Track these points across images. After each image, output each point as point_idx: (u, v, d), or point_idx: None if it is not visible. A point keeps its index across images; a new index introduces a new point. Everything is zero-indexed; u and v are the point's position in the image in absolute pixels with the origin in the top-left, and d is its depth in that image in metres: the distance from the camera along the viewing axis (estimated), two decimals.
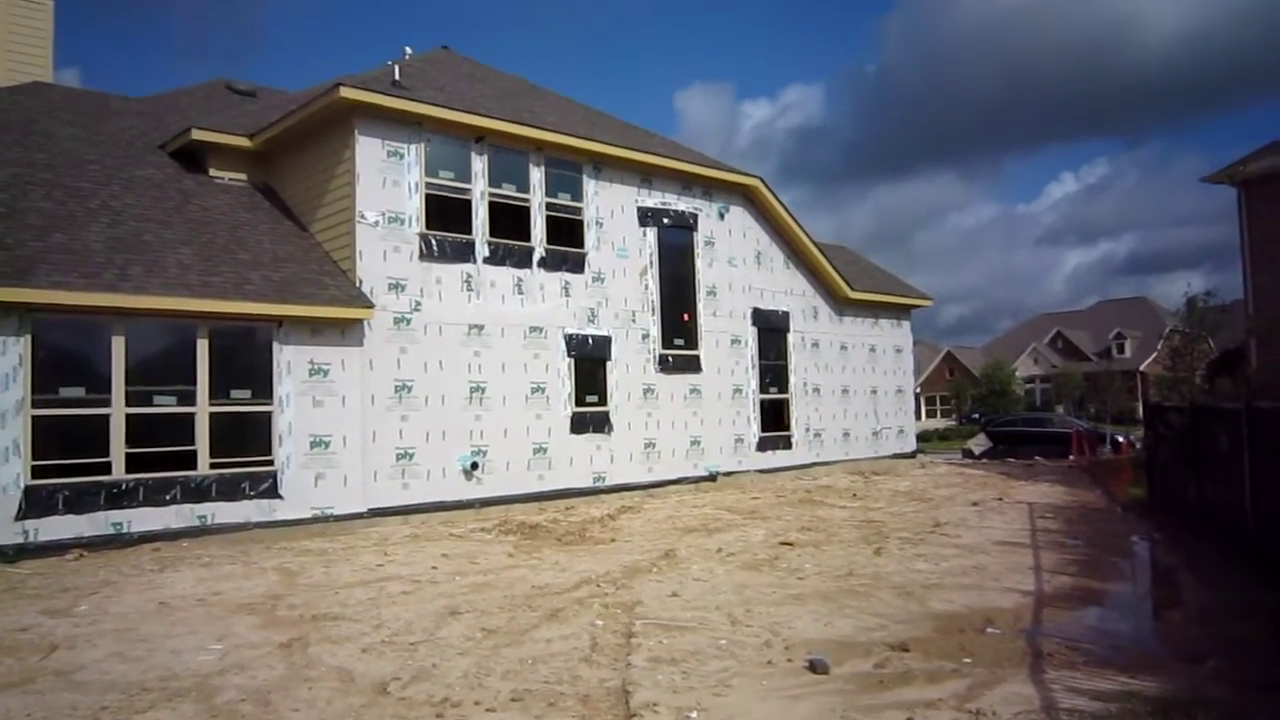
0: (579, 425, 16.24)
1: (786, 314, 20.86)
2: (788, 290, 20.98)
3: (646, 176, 17.87)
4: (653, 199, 18.00)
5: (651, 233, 17.91)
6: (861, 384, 23.12)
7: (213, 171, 15.53)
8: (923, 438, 34.32)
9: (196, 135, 15.21)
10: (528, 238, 15.83)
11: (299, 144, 15.08)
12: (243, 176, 15.76)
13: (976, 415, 49.49)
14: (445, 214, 14.84)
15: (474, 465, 14.65)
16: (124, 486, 11.49)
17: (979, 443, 30.87)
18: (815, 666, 6.26)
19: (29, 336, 10.91)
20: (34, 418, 10.94)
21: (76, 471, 11.27)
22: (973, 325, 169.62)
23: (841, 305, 22.51)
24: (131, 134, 16.18)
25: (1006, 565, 9.89)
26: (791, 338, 20.99)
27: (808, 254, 21.36)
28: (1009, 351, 64.23)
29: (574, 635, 7.22)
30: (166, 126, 16.70)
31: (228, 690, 5.93)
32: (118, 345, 11.52)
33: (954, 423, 56.06)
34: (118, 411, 11.50)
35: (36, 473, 10.95)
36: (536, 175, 16.03)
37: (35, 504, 10.88)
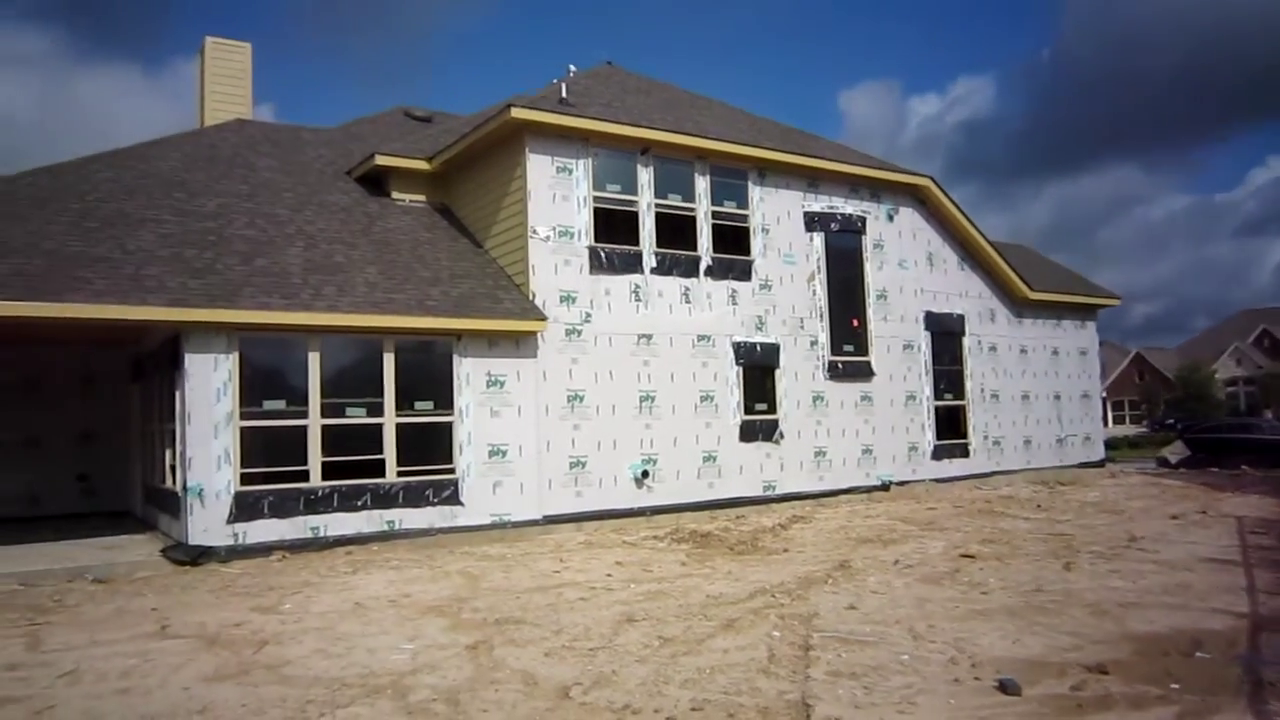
0: (748, 433, 16.15)
1: (961, 317, 20.11)
2: (962, 292, 20.22)
3: (812, 180, 17.63)
4: (819, 203, 17.74)
5: (818, 237, 17.65)
6: (1043, 389, 22.00)
7: (394, 194, 16.37)
8: (1111, 445, 32.30)
9: (379, 161, 16.09)
10: (694, 247, 15.90)
11: (473, 164, 15.70)
12: (422, 198, 16.54)
13: (1173, 421, 46.20)
14: (613, 226, 15.10)
15: (644, 474, 14.80)
16: (320, 493, 12.23)
17: (1176, 451, 28.75)
18: (1006, 687, 5.96)
19: (237, 354, 11.79)
20: (241, 429, 11.81)
21: (279, 479, 12.07)
22: (1163, 325, 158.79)
23: (1020, 307, 21.50)
24: (321, 162, 17.26)
25: (1214, 584, 9.15)
26: (967, 341, 20.21)
27: (983, 254, 20.53)
28: (1207, 352, 59.77)
29: (750, 646, 7.16)
30: (352, 154, 17.74)
31: (420, 689, 6.18)
32: (314, 360, 12.29)
33: (1146, 429, 52.60)
34: (314, 423, 12.26)
35: (244, 479, 11.80)
36: (701, 184, 16.09)
37: (244, 508, 11.72)
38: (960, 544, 11.95)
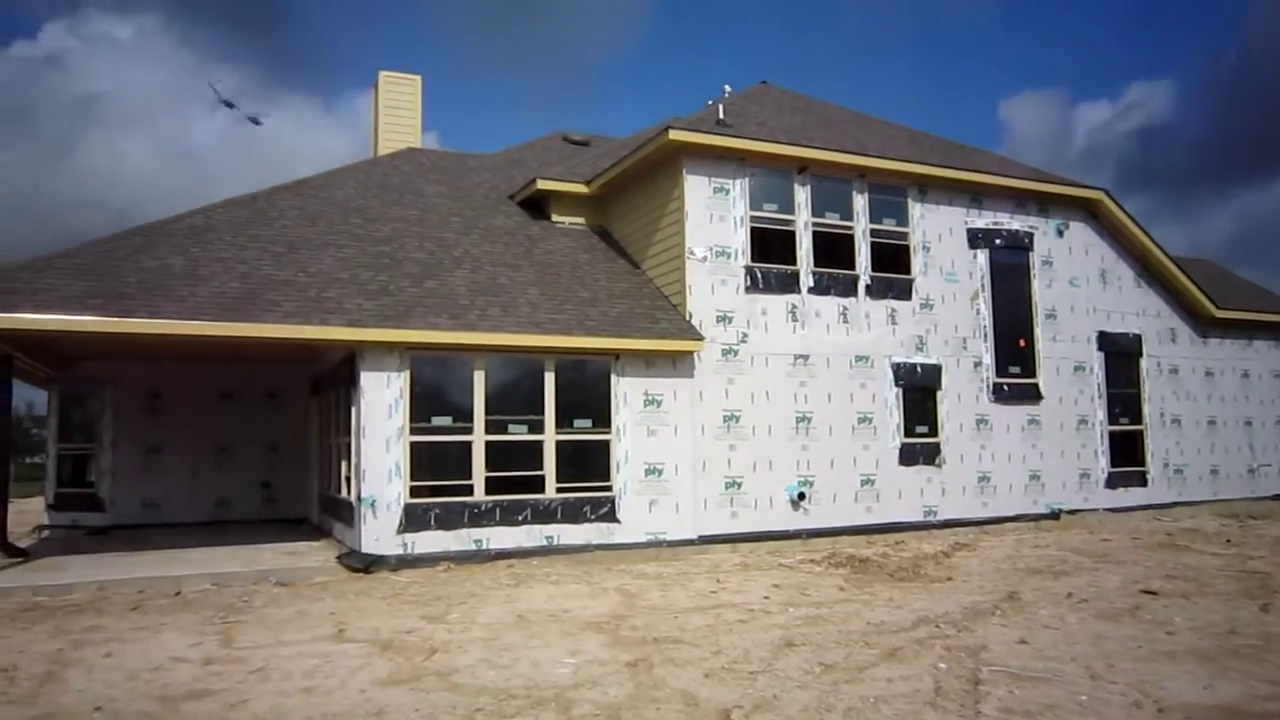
0: (908, 457, 15.72)
1: (1138, 337, 18.98)
2: (1139, 311, 19.10)
3: (976, 196, 17.07)
4: (983, 219, 17.15)
5: (982, 255, 17.05)
6: (1233, 414, 20.47)
7: (555, 217, 16.82)
8: None
9: (540, 185, 16.58)
10: (852, 266, 15.64)
11: (631, 186, 15.97)
12: (581, 220, 16.93)
13: None
14: (769, 246, 15.04)
15: (801, 495, 14.61)
16: (483, 507, 12.63)
17: None
18: None
19: (408, 371, 12.35)
20: (411, 443, 12.34)
21: (444, 492, 12.55)
22: None
23: (1205, 326, 20.12)
24: (485, 187, 17.93)
25: None
26: (1145, 363, 19.05)
27: (1161, 270, 19.35)
28: None
29: (915, 677, 6.94)
30: (513, 179, 18.36)
31: (583, 704, 6.27)
32: (478, 378, 12.74)
33: None
34: (479, 439, 12.69)
35: (413, 492, 12.32)
36: (860, 202, 15.83)
37: (412, 520, 12.23)
38: (1140, 579, 11.25)
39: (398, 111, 21.06)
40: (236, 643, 8.12)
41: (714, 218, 14.59)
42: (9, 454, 14.45)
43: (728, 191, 14.74)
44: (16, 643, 8.23)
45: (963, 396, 16.44)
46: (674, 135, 14.17)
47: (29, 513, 20.26)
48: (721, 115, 15.43)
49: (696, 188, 14.53)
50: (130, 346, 14.89)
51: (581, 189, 16.73)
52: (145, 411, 17.75)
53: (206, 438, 18.00)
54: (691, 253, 14.37)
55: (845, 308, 15.48)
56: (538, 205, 17.11)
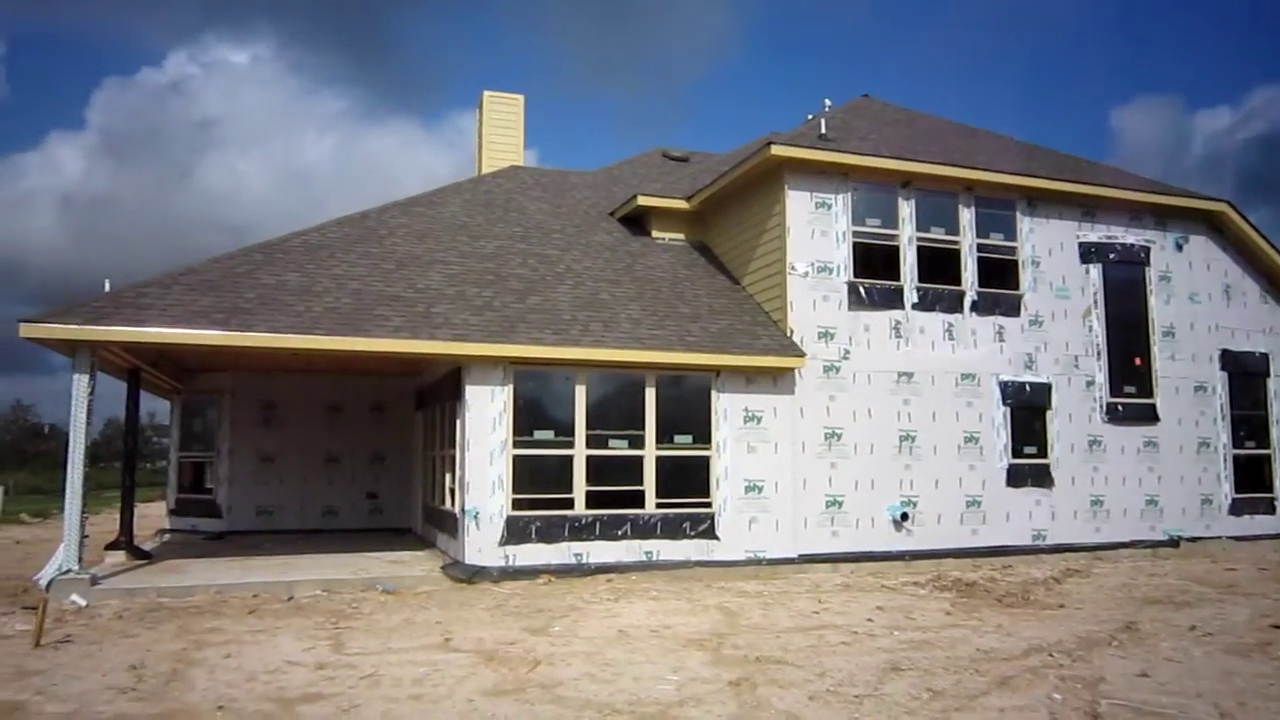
0: (1016, 478, 15.23)
1: (1265, 356, 18.03)
2: (1266, 329, 18.15)
3: (1088, 209, 16.51)
4: (1095, 233, 16.57)
5: (1095, 270, 16.46)
6: None
7: (655, 233, 16.91)
8: None
9: (641, 201, 16.69)
10: (958, 281, 15.29)
11: (731, 202, 15.95)
12: (681, 236, 16.98)
13: None
14: (872, 261, 14.82)
15: (904, 516, 14.30)
16: (584, 521, 12.72)
17: None
18: None
19: (511, 386, 12.55)
20: (514, 457, 12.52)
21: (545, 505, 12.69)
22: None
23: None
24: (586, 204, 18.14)
25: None
26: (1272, 384, 18.08)
27: None
28: None
29: (1029, 707, 6.70)
30: (614, 195, 18.53)
31: None
32: (580, 393, 12.86)
33: None
34: (579, 453, 12.80)
35: (515, 505, 12.49)
36: (966, 216, 15.47)
37: (514, 532, 12.40)
38: (1270, 612, 10.65)
39: (501, 130, 21.48)
40: (347, 648, 8.34)
41: (816, 233, 14.45)
42: (135, 461, 15.18)
43: (830, 206, 14.59)
44: (144, 641, 8.62)
45: (1074, 416, 15.87)
46: (775, 151, 14.11)
47: (151, 517, 21.25)
48: (823, 130, 15.30)
49: (798, 203, 14.43)
50: (247, 359, 15.53)
51: (682, 205, 16.79)
52: (260, 422, 18.45)
53: (316, 448, 18.59)
54: (793, 268, 14.26)
55: (950, 324, 15.13)
56: (638, 221, 17.23)
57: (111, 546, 13.82)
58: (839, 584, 12.69)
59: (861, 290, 14.57)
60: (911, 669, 7.76)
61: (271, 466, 18.40)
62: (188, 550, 15.44)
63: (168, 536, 18.02)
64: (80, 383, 11.37)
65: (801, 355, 13.83)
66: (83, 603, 10.48)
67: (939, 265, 15.26)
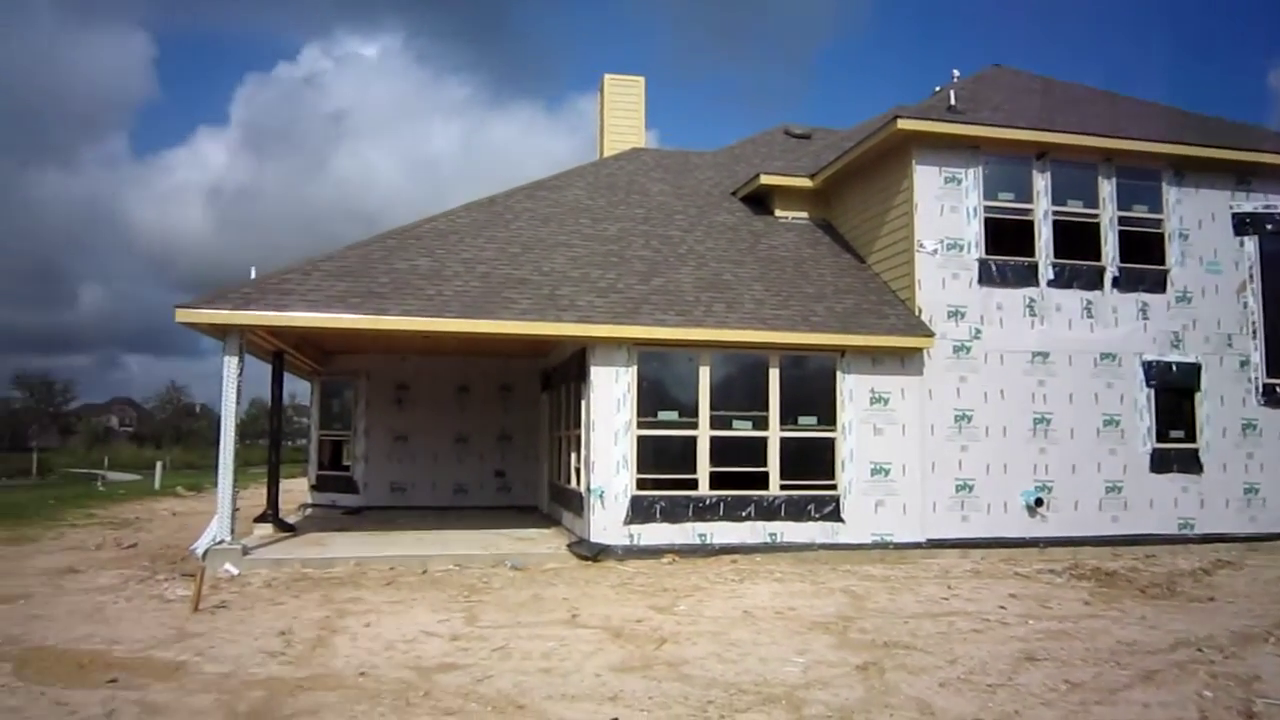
0: (1160, 464, 14.49)
1: None
2: None
3: (1242, 177, 15.47)
4: (1251, 203, 15.53)
5: (1250, 242, 15.43)
6: None
7: (778, 212, 16.72)
8: None
9: (764, 180, 16.53)
10: (1097, 256, 14.59)
11: (855, 179, 15.62)
12: (804, 214, 16.75)
13: None
14: (1004, 237, 14.28)
15: (1038, 501, 13.80)
16: (707, 502, 12.75)
17: None
18: None
19: (635, 367, 12.66)
20: (638, 437, 12.64)
21: (669, 486, 12.77)
22: None
23: None
24: (709, 184, 18.07)
25: None
26: None
27: None
28: None
29: (1176, 704, 6.39)
30: (736, 174, 18.39)
31: (813, 704, 6.20)
32: (704, 374, 12.87)
33: None
34: (703, 434, 12.83)
35: (639, 484, 12.62)
36: (1106, 188, 14.74)
37: (638, 512, 12.53)
38: None
39: (622, 113, 21.56)
40: (479, 621, 8.61)
41: (945, 209, 14.02)
42: (281, 440, 15.98)
43: (960, 181, 14.12)
44: (291, 609, 9.09)
45: (1226, 399, 14.97)
46: (902, 125, 13.73)
47: (292, 492, 22.33)
48: (952, 101, 14.79)
49: (926, 178, 14.02)
50: (382, 341, 16.11)
51: (805, 183, 16.54)
52: (393, 402, 19.15)
53: (446, 428, 19.20)
54: (921, 246, 13.88)
55: (1089, 302, 14.47)
56: (761, 200, 17.07)
57: (259, 519, 14.59)
58: (969, 570, 12.36)
59: (993, 267, 14.07)
60: (1048, 659, 7.51)
61: (404, 445, 19.09)
62: (328, 524, 16.19)
63: (309, 511, 18.92)
64: (230, 365, 12.02)
65: (930, 335, 13.47)
66: (235, 571, 11.12)
67: (1077, 240, 14.59)
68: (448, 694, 6.26)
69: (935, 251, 13.93)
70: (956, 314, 13.87)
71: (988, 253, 14.10)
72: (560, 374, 15.48)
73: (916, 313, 13.72)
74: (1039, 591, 10.74)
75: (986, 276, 14.04)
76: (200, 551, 11.73)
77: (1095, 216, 14.68)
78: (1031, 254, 14.31)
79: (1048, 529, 13.84)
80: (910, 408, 13.51)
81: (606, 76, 21.66)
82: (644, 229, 15.56)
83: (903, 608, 9.61)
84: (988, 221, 14.17)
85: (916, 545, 13.29)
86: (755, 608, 9.44)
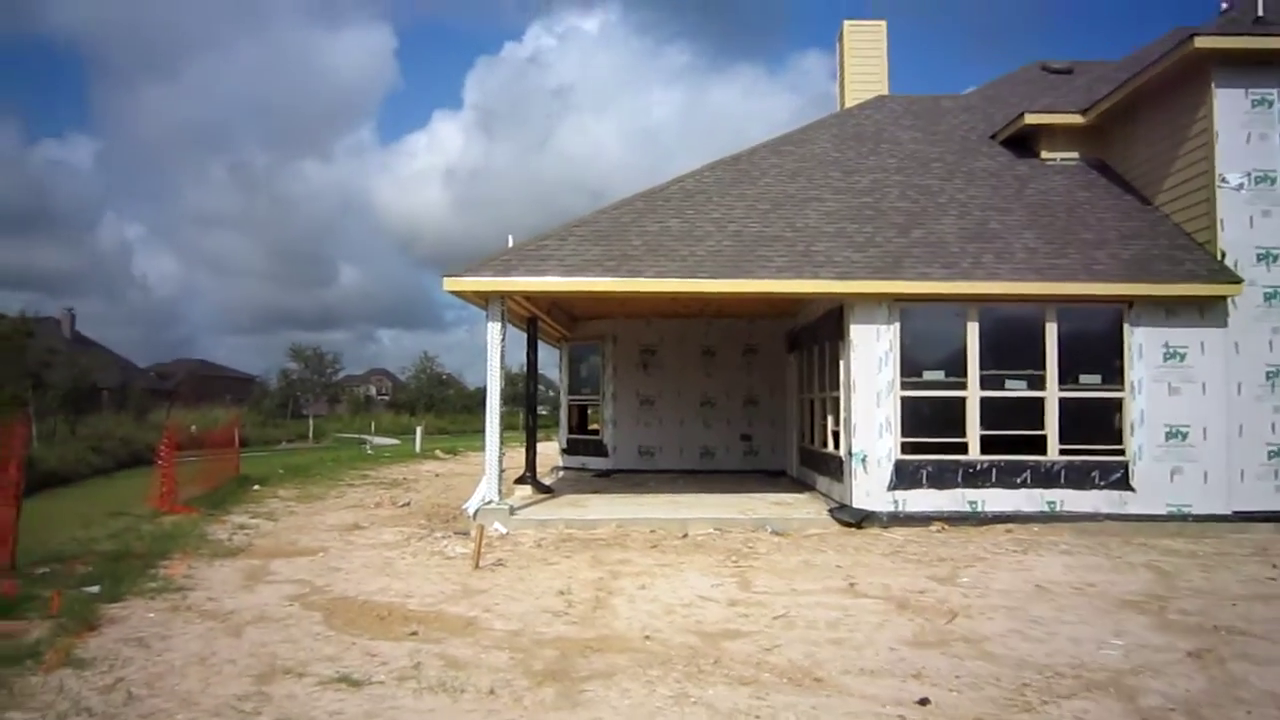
0: None
1: None
2: None
3: None
4: None
5: None
6: None
7: (1043, 154, 15.36)
8: None
9: (1029, 119, 15.19)
10: None
11: (1138, 112, 14.04)
12: (1074, 155, 15.28)
13: None
14: None
15: None
16: (978, 467, 11.94)
17: None
18: None
19: (897, 324, 11.99)
20: (901, 398, 11.99)
21: (935, 450, 12.05)
22: None
23: None
24: (964, 129, 16.89)
25: None
26: None
27: None
28: None
29: None
30: (991, 117, 17.08)
31: (1149, 694, 5.51)
32: (972, 331, 12.01)
33: None
34: (973, 395, 11.99)
35: (904, 449, 11.98)
36: None
37: (903, 477, 11.91)
38: None
39: (863, 59, 20.47)
40: (753, 587, 8.37)
41: (1252, 136, 12.30)
42: (536, 404, 16.47)
43: (1270, 104, 12.35)
44: (564, 569, 9.22)
45: None
46: (1201, 43, 12.13)
47: (544, 455, 23.11)
48: (1260, 10, 12.93)
49: (1229, 102, 12.35)
50: (631, 305, 16.21)
51: (1076, 120, 15.06)
52: (639, 366, 19.32)
53: (691, 391, 19.16)
54: (1224, 180, 12.27)
55: None
56: (1023, 142, 15.72)
57: (519, 481, 15.09)
58: None
59: None
60: None
61: (651, 409, 19.23)
62: (580, 486, 16.56)
63: (561, 473, 19.48)
64: (494, 330, 12.39)
65: (1237, 281, 11.92)
66: (504, 530, 11.49)
67: None
68: (737, 663, 6.04)
69: (1241, 186, 12.28)
70: (1268, 257, 12.19)
71: None
72: (811, 334, 14.98)
73: (1218, 257, 12.18)
74: None
75: None
76: (472, 511, 12.21)
77: None
78: None
79: None
80: (1212, 364, 12.04)
81: (846, 23, 20.66)
82: (898, 179, 14.71)
83: (1223, 588, 8.54)
84: None
85: (1220, 518, 11.88)
86: (1048, 581, 8.67)
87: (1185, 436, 12.01)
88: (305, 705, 5.17)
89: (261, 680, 5.60)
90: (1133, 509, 11.91)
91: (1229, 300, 12.05)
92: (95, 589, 7.99)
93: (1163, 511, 11.92)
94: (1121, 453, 12.04)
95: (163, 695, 5.30)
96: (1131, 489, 11.96)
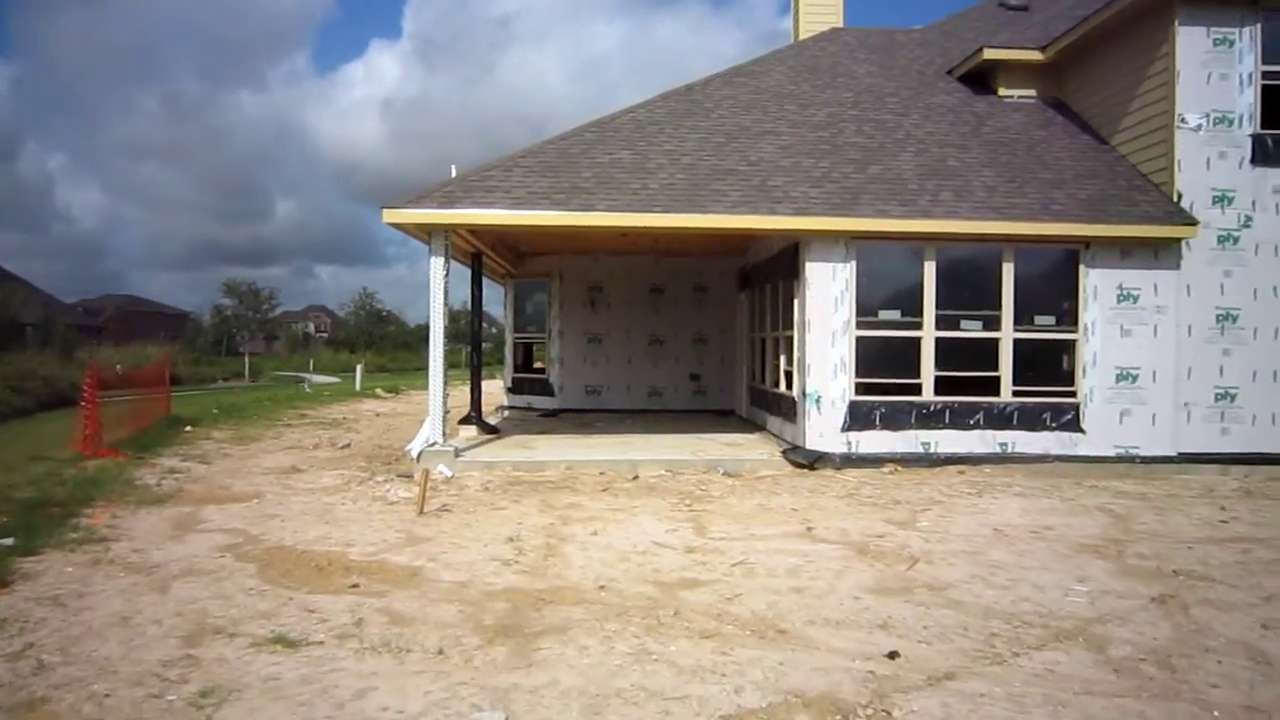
0: None
1: None
2: None
3: None
4: None
5: None
6: None
7: (1001, 91, 15.10)
8: None
9: (987, 55, 14.89)
10: None
11: (1097, 49, 13.80)
12: (1031, 93, 15.06)
13: None
14: None
15: None
16: (932, 408, 11.83)
17: None
18: None
19: (854, 262, 11.71)
20: (856, 338, 11.77)
21: (890, 391, 11.90)
22: None
23: None
24: (920, 64, 16.54)
25: None
26: None
27: None
28: None
29: None
30: (949, 53, 16.75)
31: (1119, 644, 5.37)
32: (929, 270, 11.80)
33: None
34: (928, 335, 11.83)
35: (858, 389, 11.81)
36: None
37: (857, 418, 11.75)
38: None
39: None
40: (709, 532, 8.13)
41: (1213, 77, 12.14)
42: (481, 342, 15.99)
43: (1232, 43, 12.17)
44: (513, 514, 8.89)
45: None
46: None
47: (487, 395, 22.64)
48: None
49: (1190, 40, 12.14)
50: (576, 241, 15.70)
51: (1035, 57, 14.79)
52: (586, 304, 18.89)
53: (640, 330, 18.82)
54: (1182, 121, 12.12)
55: None
56: (981, 79, 15.43)
57: (463, 421, 14.68)
58: (1236, 489, 10.99)
59: (1270, 144, 12.16)
60: None
61: (598, 348, 18.87)
62: (528, 426, 16.20)
63: (507, 413, 19.09)
64: (436, 265, 11.85)
65: (1192, 224, 11.85)
66: (449, 473, 11.10)
67: None
68: (698, 614, 5.79)
69: (1199, 127, 12.14)
70: (1223, 199, 12.13)
71: (1263, 127, 12.17)
72: (764, 272, 14.67)
73: (1174, 199, 12.08)
74: None
75: (1261, 155, 12.15)
76: (415, 453, 11.80)
77: None
78: None
79: None
80: (1164, 306, 12.02)
81: None
82: (854, 114, 14.34)
83: (1177, 531, 8.52)
84: (1266, 90, 12.20)
85: (1166, 459, 11.96)
86: (1005, 525, 8.58)
87: (1135, 379, 12.02)
88: (237, 670, 4.78)
89: (189, 642, 5.19)
90: (1082, 450, 11.93)
91: (1183, 242, 11.99)
92: (9, 541, 7.45)
93: (1111, 453, 11.96)
94: (1073, 394, 12.02)
95: (78, 662, 4.86)
96: (1082, 431, 11.97)
